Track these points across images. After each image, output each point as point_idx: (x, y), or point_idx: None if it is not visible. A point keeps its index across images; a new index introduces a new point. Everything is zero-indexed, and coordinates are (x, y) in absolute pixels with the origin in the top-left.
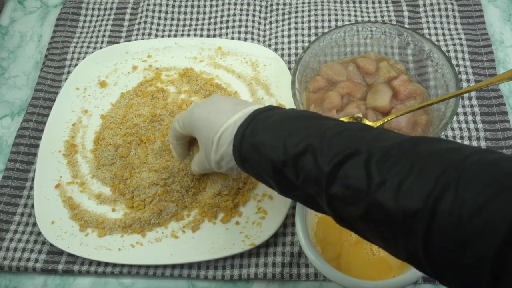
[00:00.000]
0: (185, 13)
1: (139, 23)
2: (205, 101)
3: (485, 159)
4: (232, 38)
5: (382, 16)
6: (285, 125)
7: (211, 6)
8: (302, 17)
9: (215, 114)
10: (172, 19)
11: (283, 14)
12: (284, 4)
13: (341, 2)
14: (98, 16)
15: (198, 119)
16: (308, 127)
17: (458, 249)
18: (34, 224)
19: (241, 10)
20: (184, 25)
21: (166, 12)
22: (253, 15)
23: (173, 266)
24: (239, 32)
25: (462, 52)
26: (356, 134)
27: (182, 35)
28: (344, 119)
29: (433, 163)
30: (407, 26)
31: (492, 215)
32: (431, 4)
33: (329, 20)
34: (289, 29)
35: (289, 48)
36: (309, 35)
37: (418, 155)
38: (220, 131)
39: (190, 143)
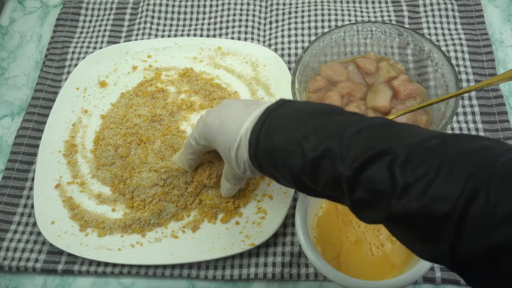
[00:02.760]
0: (185, 13)
1: (139, 23)
2: (215, 109)
3: None
4: (232, 38)
5: (382, 16)
6: (301, 123)
7: (211, 6)
8: (302, 17)
9: (227, 123)
10: (172, 19)
11: (283, 14)
12: (284, 4)
13: (341, 2)
14: (98, 16)
15: (211, 131)
16: (326, 127)
17: (489, 255)
18: (34, 224)
19: (241, 10)
20: (184, 25)
21: (166, 12)
22: (253, 15)
23: (173, 266)
24: (239, 32)
25: (462, 52)
26: (376, 132)
27: (182, 35)
28: None
29: (462, 164)
30: (407, 26)
31: None
32: (431, 4)
33: (329, 20)
34: (289, 29)
35: (289, 48)
36: (309, 35)
37: (446, 155)
38: (235, 143)
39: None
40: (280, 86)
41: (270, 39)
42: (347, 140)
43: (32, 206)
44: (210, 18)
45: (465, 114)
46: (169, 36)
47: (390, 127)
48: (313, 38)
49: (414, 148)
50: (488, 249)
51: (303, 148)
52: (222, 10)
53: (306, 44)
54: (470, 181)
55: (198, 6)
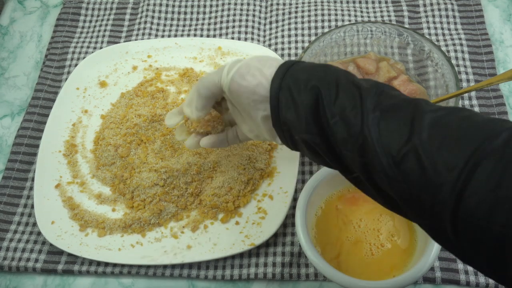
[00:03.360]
0: (185, 13)
1: (139, 23)
2: (244, 64)
3: None
4: (232, 38)
5: (382, 16)
6: (317, 74)
7: (211, 6)
8: (302, 17)
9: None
10: (172, 19)
11: (283, 14)
12: (284, 4)
13: (341, 2)
14: (98, 16)
15: (240, 84)
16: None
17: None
18: (34, 224)
19: (241, 10)
20: (184, 25)
21: (166, 12)
22: (253, 15)
23: (173, 266)
24: (239, 32)
25: (462, 52)
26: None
27: (182, 35)
28: None
29: (465, 137)
30: (407, 26)
31: None
32: (431, 4)
33: (329, 20)
34: (289, 29)
35: (289, 48)
36: (309, 35)
37: (452, 127)
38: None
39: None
40: None
41: (270, 39)
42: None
43: (32, 206)
44: (210, 18)
45: None
46: (169, 36)
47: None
48: (313, 38)
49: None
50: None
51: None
52: (222, 10)
53: (306, 44)
54: (473, 154)
55: (198, 6)
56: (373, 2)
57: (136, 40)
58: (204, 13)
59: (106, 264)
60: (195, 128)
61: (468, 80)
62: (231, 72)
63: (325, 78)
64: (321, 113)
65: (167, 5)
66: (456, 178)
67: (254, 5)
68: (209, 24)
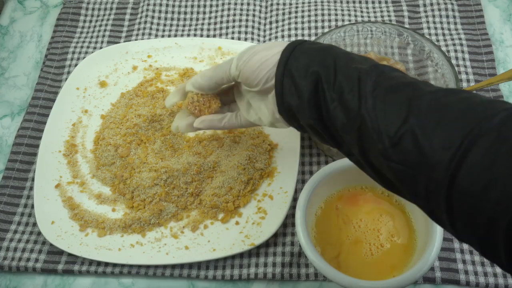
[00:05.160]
0: (185, 13)
1: (139, 23)
2: (257, 49)
3: None
4: (232, 38)
5: (382, 16)
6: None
7: (211, 6)
8: (302, 17)
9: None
10: (172, 19)
11: (283, 14)
12: (284, 4)
13: (341, 2)
14: (98, 16)
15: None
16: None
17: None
18: (34, 224)
19: (241, 10)
20: (184, 25)
21: (166, 12)
22: (253, 15)
23: (173, 266)
24: (239, 32)
25: (462, 52)
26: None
27: (182, 35)
28: None
29: (462, 117)
30: (407, 26)
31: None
32: (431, 4)
33: (329, 20)
34: (289, 29)
35: None
36: (309, 35)
37: (450, 105)
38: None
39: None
40: None
41: (270, 39)
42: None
43: (32, 206)
44: (210, 18)
45: None
46: (169, 36)
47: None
48: (313, 38)
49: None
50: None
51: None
52: (222, 10)
53: None
54: (468, 134)
55: (198, 6)
56: (373, 2)
57: (136, 40)
58: (204, 13)
59: (106, 264)
60: (194, 106)
61: (468, 80)
62: (245, 56)
63: (325, 62)
64: (321, 98)
65: (167, 5)
66: (451, 156)
67: (254, 5)
68: (209, 24)
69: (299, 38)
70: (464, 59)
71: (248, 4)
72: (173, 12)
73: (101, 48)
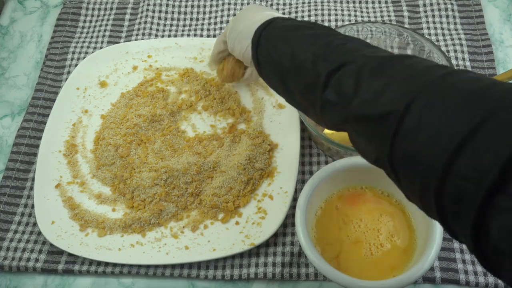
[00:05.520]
0: (185, 13)
1: (139, 23)
2: (239, 14)
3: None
4: None
5: (382, 16)
6: (296, 33)
7: (211, 6)
8: (302, 17)
9: (243, 26)
10: (172, 19)
11: (283, 14)
12: (284, 4)
13: (341, 2)
14: (98, 16)
15: (232, 34)
16: (317, 37)
17: (418, 153)
18: (34, 224)
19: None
20: (184, 25)
21: (166, 12)
22: None
23: (173, 266)
24: None
25: (462, 52)
26: (356, 47)
27: (182, 35)
28: None
29: (411, 79)
30: (407, 26)
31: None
32: (431, 4)
33: (329, 20)
34: None
35: None
36: None
37: (400, 70)
38: (246, 44)
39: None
40: None
41: None
42: (331, 48)
43: (33, 206)
44: (210, 18)
45: None
46: (169, 36)
47: (368, 48)
48: None
49: (381, 60)
50: (418, 147)
51: (294, 51)
52: (222, 10)
53: None
54: (409, 91)
55: (198, 6)
56: (373, 2)
57: (136, 40)
58: (204, 13)
59: (106, 264)
60: (221, 74)
61: None
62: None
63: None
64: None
65: (167, 5)
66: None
67: None
68: (209, 24)
69: None
70: (464, 59)
71: (248, 4)
72: (173, 12)
73: (101, 48)
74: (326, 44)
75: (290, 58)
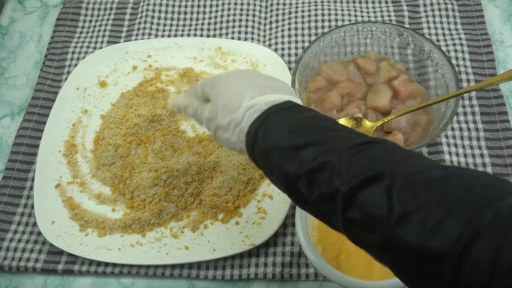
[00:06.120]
0: (185, 13)
1: (139, 23)
2: (231, 74)
3: None
4: (232, 38)
5: (382, 16)
6: (301, 131)
7: (211, 6)
8: (302, 17)
9: (234, 97)
10: (172, 19)
11: (283, 14)
12: (284, 4)
13: (341, 2)
14: (98, 16)
15: (222, 82)
16: (327, 140)
17: None
18: (34, 224)
19: (241, 10)
20: (184, 25)
21: (166, 12)
22: (253, 15)
23: (173, 266)
24: (239, 32)
25: (462, 52)
26: (379, 154)
27: (182, 35)
28: (344, 119)
29: (464, 201)
30: (407, 26)
31: None
32: (431, 4)
33: (329, 20)
34: (289, 29)
35: (289, 48)
36: (309, 35)
37: (448, 188)
38: (235, 121)
39: None
40: None
41: (270, 39)
42: (348, 156)
43: (32, 206)
44: (210, 18)
45: (465, 114)
46: (169, 36)
47: (393, 151)
48: (313, 38)
49: (414, 176)
50: None
51: (301, 157)
52: (222, 10)
53: (306, 44)
54: (472, 220)
55: (198, 6)
56: (373, 2)
57: (136, 40)
58: (204, 13)
59: (106, 264)
60: None
61: (468, 80)
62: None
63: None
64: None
65: (167, 5)
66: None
67: (254, 5)
68: (209, 24)
69: (299, 38)
70: (464, 59)
71: (248, 4)
72: (173, 12)
73: (101, 48)
74: (340, 151)
75: (297, 163)
